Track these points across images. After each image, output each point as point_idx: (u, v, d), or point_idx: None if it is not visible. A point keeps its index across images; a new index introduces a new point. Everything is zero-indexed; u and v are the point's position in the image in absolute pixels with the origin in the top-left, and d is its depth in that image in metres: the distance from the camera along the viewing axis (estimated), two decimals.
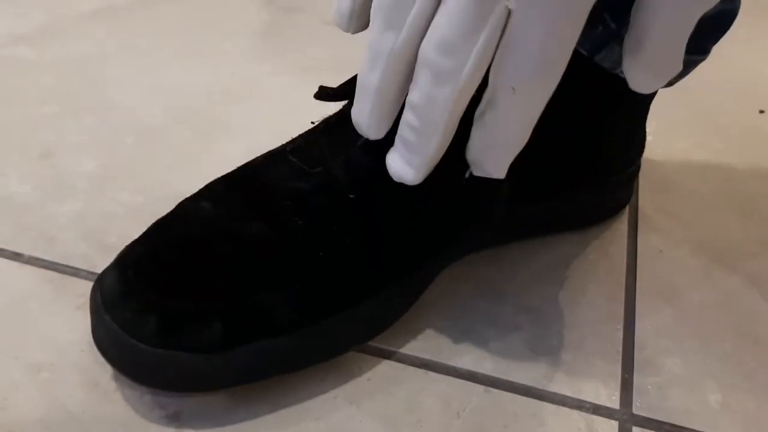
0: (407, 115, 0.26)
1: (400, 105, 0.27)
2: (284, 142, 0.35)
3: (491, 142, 0.26)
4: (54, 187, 0.42)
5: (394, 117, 0.27)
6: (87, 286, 0.35)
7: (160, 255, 0.31)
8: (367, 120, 0.27)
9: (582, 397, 0.33)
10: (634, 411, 0.33)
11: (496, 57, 0.24)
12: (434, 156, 0.26)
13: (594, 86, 0.34)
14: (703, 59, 0.34)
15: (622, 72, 0.32)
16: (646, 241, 0.41)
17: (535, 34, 0.23)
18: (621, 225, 0.42)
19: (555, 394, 0.33)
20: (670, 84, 0.34)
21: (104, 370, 0.32)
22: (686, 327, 0.37)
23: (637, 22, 0.25)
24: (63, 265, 0.37)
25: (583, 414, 0.32)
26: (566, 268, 0.39)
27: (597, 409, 0.33)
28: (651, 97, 0.37)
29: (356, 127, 0.28)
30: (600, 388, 0.33)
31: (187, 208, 0.33)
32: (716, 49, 0.37)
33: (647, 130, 0.41)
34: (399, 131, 0.27)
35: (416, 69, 0.25)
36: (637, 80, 0.26)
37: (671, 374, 0.34)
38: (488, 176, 0.28)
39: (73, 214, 0.40)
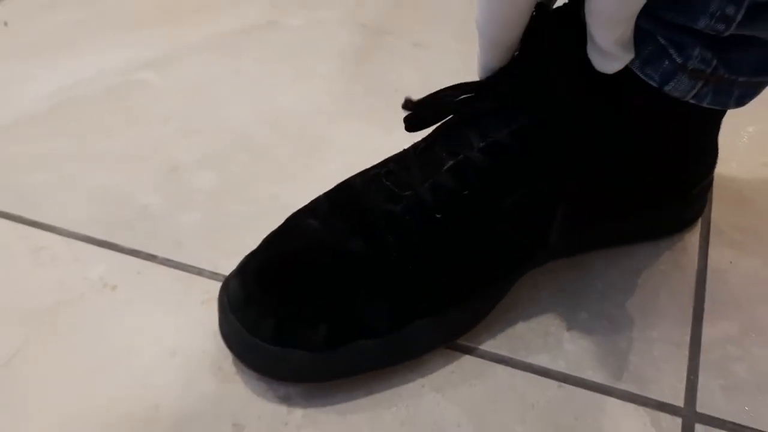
0: None
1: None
2: (380, 163, 0.40)
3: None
4: (180, 198, 0.48)
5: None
6: (210, 284, 0.41)
7: (274, 266, 0.37)
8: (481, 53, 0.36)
9: (648, 394, 0.36)
10: (698, 409, 0.36)
11: None
12: None
13: (665, 113, 0.37)
14: None
15: (692, 99, 0.35)
16: (717, 253, 0.44)
17: None
18: (693, 237, 0.45)
19: (623, 391, 0.36)
20: (741, 104, 0.36)
21: (226, 356, 0.37)
22: (754, 335, 0.39)
23: (588, 29, 0.32)
24: (190, 265, 0.43)
25: (648, 410, 0.36)
26: (639, 278, 0.42)
27: (662, 406, 0.36)
28: (721, 115, 0.40)
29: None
30: (665, 387, 0.36)
31: (296, 222, 0.38)
32: None
33: (724, 145, 0.44)
34: None
35: None
36: (595, 63, 0.34)
37: (737, 378, 0.37)
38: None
39: (196, 221, 0.46)
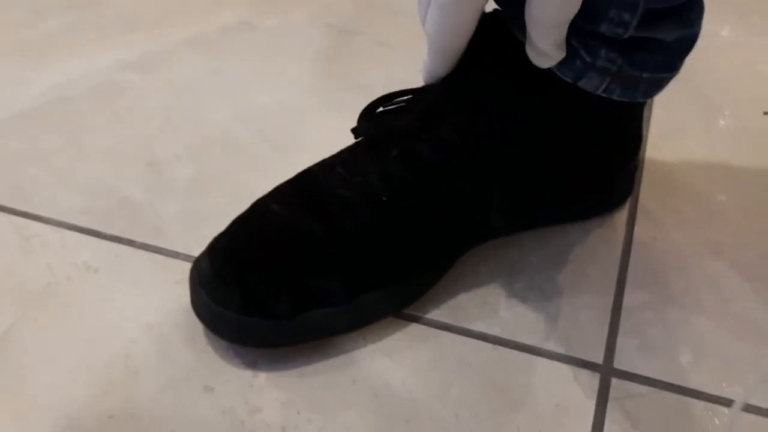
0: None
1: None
2: (336, 153, 0.44)
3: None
4: (160, 190, 0.53)
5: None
6: (184, 266, 0.46)
7: (240, 245, 0.41)
8: (429, 63, 0.41)
9: (572, 354, 0.41)
10: (615, 366, 0.40)
11: None
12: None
13: (581, 105, 0.41)
14: (675, 74, 0.41)
15: (603, 93, 0.40)
16: (642, 230, 0.48)
17: None
18: (621, 216, 0.49)
19: (550, 351, 0.41)
20: (648, 97, 0.41)
21: (198, 330, 0.42)
22: (669, 303, 0.44)
23: (528, 27, 0.36)
24: (166, 249, 0.47)
25: (572, 367, 0.40)
26: (570, 253, 0.47)
27: (583, 364, 0.40)
28: (639, 107, 0.45)
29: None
30: (588, 348, 0.41)
31: (261, 206, 0.43)
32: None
33: (654, 129, 0.48)
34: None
35: None
36: (532, 60, 0.38)
37: (651, 339, 0.42)
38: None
39: (174, 211, 0.51)
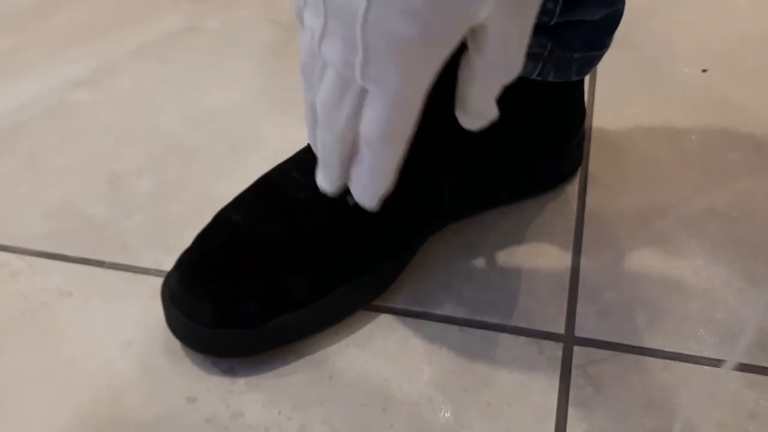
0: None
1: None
2: (291, 157, 0.45)
3: (361, 185, 0.35)
4: (122, 205, 0.53)
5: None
6: (155, 281, 0.47)
7: (206, 258, 0.42)
8: (324, 181, 0.36)
9: (535, 327, 0.43)
10: (576, 334, 0.42)
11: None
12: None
13: (519, 90, 0.43)
14: (605, 51, 0.43)
15: (538, 76, 0.41)
16: (593, 198, 0.50)
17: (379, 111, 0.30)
18: (573, 187, 0.51)
19: (514, 327, 0.43)
20: (582, 75, 0.43)
21: (174, 342, 0.43)
22: (623, 265, 0.46)
23: (459, 89, 0.33)
24: (136, 266, 0.48)
25: (536, 340, 0.42)
26: (527, 228, 0.49)
27: (547, 335, 0.42)
28: (580, 81, 0.46)
29: (324, 189, 0.36)
30: (549, 319, 0.43)
31: (223, 217, 0.44)
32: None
33: (599, 99, 0.50)
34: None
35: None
36: (463, 123, 0.35)
37: (609, 303, 0.44)
38: (363, 205, 0.36)
39: (139, 225, 0.52)
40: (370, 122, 0.31)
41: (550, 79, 0.41)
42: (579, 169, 0.52)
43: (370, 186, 0.34)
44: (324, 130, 0.33)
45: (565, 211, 0.50)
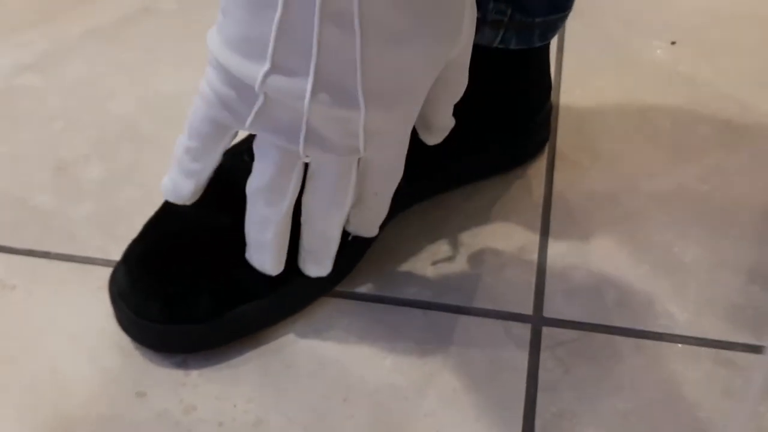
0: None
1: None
2: (243, 140, 0.43)
3: (362, 222, 0.38)
4: (69, 193, 0.51)
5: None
6: (103, 271, 0.44)
7: (155, 250, 0.40)
8: (273, 265, 0.37)
9: (501, 308, 0.41)
10: (544, 314, 0.41)
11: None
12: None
13: (481, 60, 0.41)
14: (568, 13, 0.41)
15: (500, 45, 0.39)
16: (560, 175, 0.49)
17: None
18: (540, 164, 0.50)
19: (480, 308, 0.41)
20: (545, 40, 0.41)
21: (123, 336, 0.40)
22: (590, 244, 0.44)
23: (423, 116, 0.36)
24: (83, 256, 0.46)
25: (502, 322, 0.41)
26: (493, 208, 0.47)
27: (514, 317, 0.41)
28: (540, 52, 0.44)
29: (264, 272, 0.38)
30: (516, 300, 0.42)
31: (169, 206, 0.41)
32: None
33: (566, 75, 0.48)
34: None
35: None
36: (427, 141, 0.38)
37: (576, 283, 0.42)
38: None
39: (87, 214, 0.49)
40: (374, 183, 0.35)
41: (512, 46, 0.39)
42: (546, 146, 0.50)
43: (376, 222, 0.39)
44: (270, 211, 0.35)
45: (532, 189, 0.48)
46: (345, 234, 0.39)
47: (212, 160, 0.36)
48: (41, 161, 0.53)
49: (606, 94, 0.56)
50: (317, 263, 0.39)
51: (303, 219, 0.36)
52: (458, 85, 0.35)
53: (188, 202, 0.38)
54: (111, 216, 0.49)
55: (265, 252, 0.37)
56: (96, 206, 0.49)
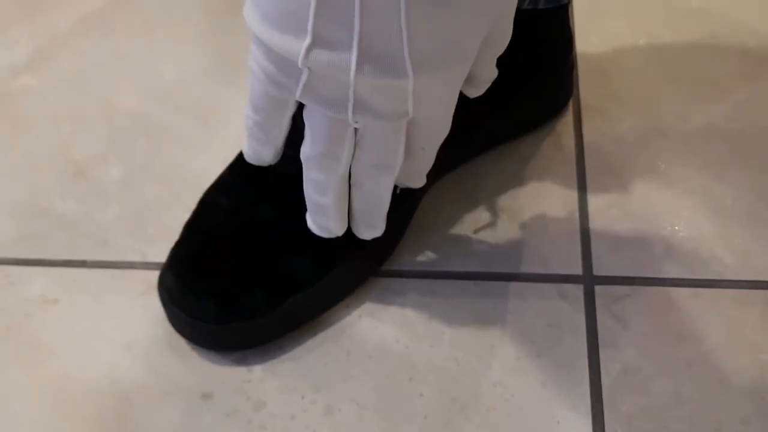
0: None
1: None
2: None
3: (410, 174, 0.37)
4: (93, 198, 0.50)
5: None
6: (144, 274, 0.44)
7: (200, 250, 0.40)
8: (336, 226, 0.37)
9: (551, 271, 0.41)
10: (595, 273, 0.41)
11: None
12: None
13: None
14: None
15: (528, 4, 0.38)
16: (590, 127, 0.48)
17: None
18: (568, 119, 0.49)
19: (530, 274, 0.41)
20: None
21: (177, 338, 0.40)
22: (630, 195, 0.44)
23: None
24: (120, 261, 0.45)
25: (555, 285, 0.41)
26: (526, 168, 0.47)
27: (565, 278, 0.41)
28: (565, 6, 0.43)
29: (328, 236, 0.37)
30: (564, 261, 0.42)
31: (208, 203, 0.41)
32: None
33: (579, 22, 0.47)
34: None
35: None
36: (469, 94, 0.36)
37: (622, 237, 0.42)
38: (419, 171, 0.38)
39: (115, 217, 0.48)
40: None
41: (541, 6, 0.38)
42: (571, 99, 0.50)
43: (422, 172, 0.38)
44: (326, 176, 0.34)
45: (563, 144, 0.48)
46: (393, 188, 0.38)
47: (283, 126, 0.36)
48: (57, 167, 0.52)
49: (621, 37, 0.55)
50: (370, 226, 0.38)
51: (353, 182, 0.35)
52: (504, 36, 0.33)
53: (273, 163, 0.38)
54: (139, 216, 0.48)
55: (327, 214, 0.36)
56: (122, 208, 0.49)
